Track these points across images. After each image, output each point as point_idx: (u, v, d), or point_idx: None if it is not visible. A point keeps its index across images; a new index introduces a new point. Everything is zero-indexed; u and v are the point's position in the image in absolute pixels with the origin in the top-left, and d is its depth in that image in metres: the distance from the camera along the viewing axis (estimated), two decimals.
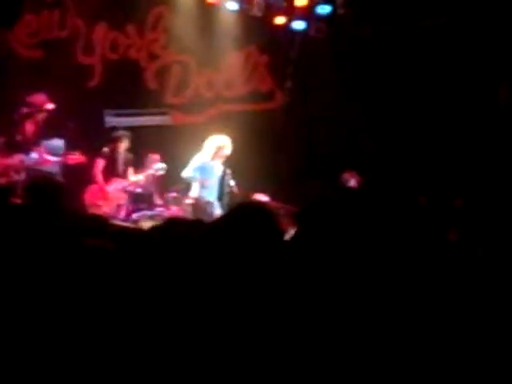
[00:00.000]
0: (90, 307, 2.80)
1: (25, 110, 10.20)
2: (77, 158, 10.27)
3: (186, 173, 10.50)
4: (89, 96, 11.93)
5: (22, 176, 9.95)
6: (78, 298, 2.94)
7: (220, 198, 10.50)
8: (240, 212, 2.09)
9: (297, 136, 12.75)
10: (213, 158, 10.49)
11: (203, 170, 10.47)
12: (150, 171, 10.90)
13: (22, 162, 10.00)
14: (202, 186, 10.47)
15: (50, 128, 10.52)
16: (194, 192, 10.49)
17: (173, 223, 3.09)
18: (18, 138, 10.10)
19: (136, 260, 2.98)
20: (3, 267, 3.37)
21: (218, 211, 10.23)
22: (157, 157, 11.10)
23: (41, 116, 10.29)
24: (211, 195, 10.49)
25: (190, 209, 10.48)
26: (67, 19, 12.05)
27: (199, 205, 10.37)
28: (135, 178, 10.92)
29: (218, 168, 10.56)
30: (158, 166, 10.91)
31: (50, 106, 10.30)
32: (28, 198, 4.81)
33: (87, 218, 5.32)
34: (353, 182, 10.39)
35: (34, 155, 10.00)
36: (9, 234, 3.96)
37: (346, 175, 10.53)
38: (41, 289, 3.09)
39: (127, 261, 3.21)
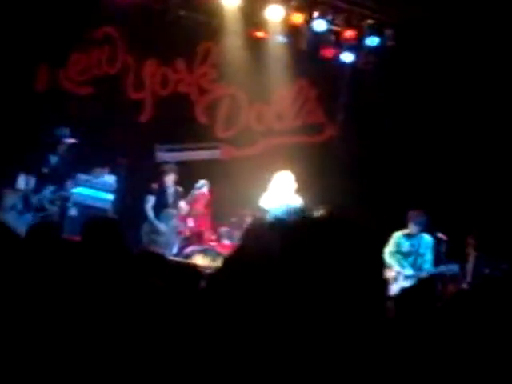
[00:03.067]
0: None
1: (46, 140, 10.19)
2: None
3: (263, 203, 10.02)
4: (139, 131, 11.99)
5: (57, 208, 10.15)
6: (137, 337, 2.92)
7: None
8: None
9: (349, 167, 12.58)
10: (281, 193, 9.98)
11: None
12: (194, 191, 10.75)
13: (53, 192, 10.04)
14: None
15: (79, 161, 10.55)
16: None
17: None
18: (44, 170, 10.09)
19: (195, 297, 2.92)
20: (68, 303, 3.36)
21: None
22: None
23: (62, 148, 10.25)
24: None
25: None
26: (117, 56, 12.13)
27: None
28: (180, 208, 10.73)
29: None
30: (199, 184, 10.74)
31: (71, 140, 10.27)
32: (87, 236, 4.76)
33: (146, 255, 5.27)
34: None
35: None
36: (68, 271, 3.94)
37: (411, 213, 9.97)
38: (100, 325, 3.08)
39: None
